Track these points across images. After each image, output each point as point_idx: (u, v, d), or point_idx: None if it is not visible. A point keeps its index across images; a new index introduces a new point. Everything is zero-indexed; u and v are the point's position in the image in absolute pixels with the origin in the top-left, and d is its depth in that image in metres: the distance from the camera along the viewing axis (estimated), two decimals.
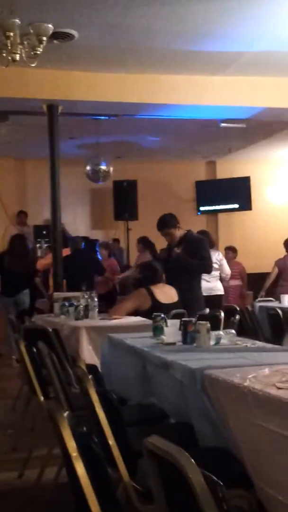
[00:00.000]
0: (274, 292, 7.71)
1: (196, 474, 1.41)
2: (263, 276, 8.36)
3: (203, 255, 5.58)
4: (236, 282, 8.91)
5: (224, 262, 7.58)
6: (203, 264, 5.57)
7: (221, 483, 1.47)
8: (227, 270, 7.58)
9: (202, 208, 11.81)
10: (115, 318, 5.03)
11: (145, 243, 8.96)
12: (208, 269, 5.71)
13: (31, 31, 4.34)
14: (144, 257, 8.38)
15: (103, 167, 9.12)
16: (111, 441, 2.35)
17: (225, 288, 7.66)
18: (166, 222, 5.62)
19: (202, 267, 5.61)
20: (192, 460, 1.43)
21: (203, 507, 1.39)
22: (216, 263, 7.04)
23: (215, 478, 1.47)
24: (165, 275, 5.25)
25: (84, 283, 6.50)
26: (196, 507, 1.40)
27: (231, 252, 9.14)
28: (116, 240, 10.92)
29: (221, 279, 7.42)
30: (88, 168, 9.18)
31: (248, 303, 7.67)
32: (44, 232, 10.06)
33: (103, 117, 8.01)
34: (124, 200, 10.58)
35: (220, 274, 7.38)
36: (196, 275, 5.69)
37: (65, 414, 1.80)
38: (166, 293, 5.10)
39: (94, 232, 11.23)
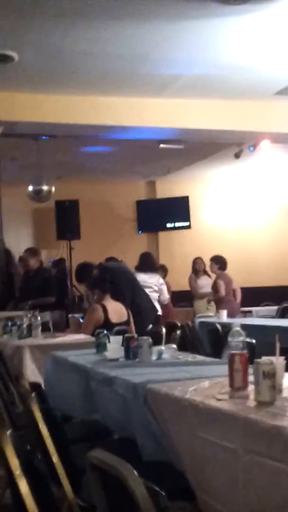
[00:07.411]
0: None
1: (138, 485, 1.44)
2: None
3: None
4: None
5: (164, 287, 7.66)
6: None
7: (163, 493, 1.51)
8: (166, 295, 7.68)
9: (142, 228, 11.94)
10: (58, 336, 5.02)
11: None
12: None
13: None
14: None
15: (44, 187, 9.10)
16: (55, 459, 2.35)
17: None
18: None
19: None
20: (134, 471, 1.48)
21: None
22: (156, 285, 7.34)
23: (157, 488, 1.52)
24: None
25: None
26: None
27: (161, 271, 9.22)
28: (62, 260, 10.25)
29: (159, 301, 7.50)
30: (30, 188, 9.15)
31: (173, 318, 7.71)
32: None
33: (43, 137, 8.03)
34: (66, 219, 10.55)
35: (159, 297, 7.47)
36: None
37: (8, 432, 1.81)
38: (117, 311, 5.13)
39: None
